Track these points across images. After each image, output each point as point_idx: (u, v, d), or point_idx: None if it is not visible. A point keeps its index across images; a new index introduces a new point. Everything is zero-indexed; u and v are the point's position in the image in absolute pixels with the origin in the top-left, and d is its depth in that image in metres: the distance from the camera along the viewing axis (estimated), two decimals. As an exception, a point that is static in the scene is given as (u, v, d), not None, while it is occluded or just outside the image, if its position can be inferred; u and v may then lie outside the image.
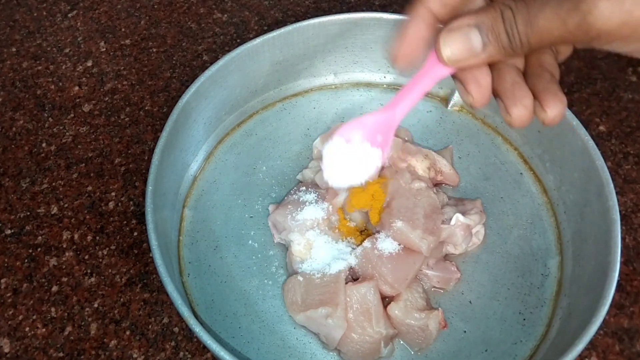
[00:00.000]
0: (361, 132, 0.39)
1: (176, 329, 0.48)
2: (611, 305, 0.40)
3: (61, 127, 0.61)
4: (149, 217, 0.44)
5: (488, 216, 0.51)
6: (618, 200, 0.45)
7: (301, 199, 0.50)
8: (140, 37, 0.70)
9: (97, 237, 0.53)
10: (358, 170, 0.40)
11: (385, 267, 0.46)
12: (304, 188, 0.51)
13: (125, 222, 0.54)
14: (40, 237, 0.53)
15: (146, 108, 0.63)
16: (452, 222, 0.48)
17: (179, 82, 0.65)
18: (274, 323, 0.47)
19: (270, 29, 0.69)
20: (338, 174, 0.41)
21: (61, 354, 0.47)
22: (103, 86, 0.65)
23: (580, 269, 0.47)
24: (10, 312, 0.49)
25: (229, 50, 0.56)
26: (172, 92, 0.64)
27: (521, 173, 0.55)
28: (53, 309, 0.49)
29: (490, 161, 0.56)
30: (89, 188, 0.56)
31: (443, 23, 0.34)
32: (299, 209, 0.49)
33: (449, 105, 0.60)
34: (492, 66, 0.35)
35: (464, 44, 0.32)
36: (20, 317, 0.49)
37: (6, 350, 0.47)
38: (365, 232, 0.50)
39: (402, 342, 0.46)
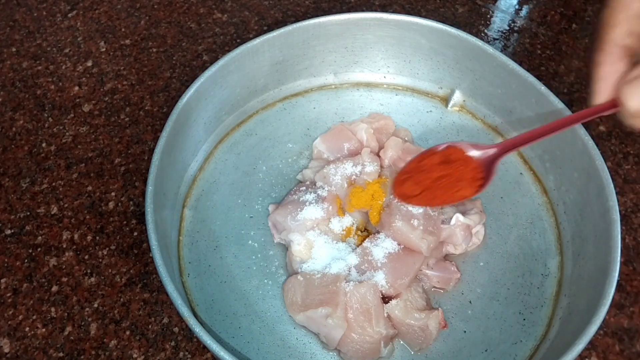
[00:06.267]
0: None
1: (176, 329, 0.48)
2: (611, 305, 0.40)
3: (61, 127, 0.61)
4: (149, 217, 0.44)
5: (488, 216, 0.51)
6: (618, 200, 0.45)
7: (301, 199, 0.50)
8: (140, 37, 0.70)
9: (97, 237, 0.53)
10: None
11: (385, 267, 0.46)
12: (304, 188, 0.51)
13: (125, 222, 0.54)
14: (40, 237, 0.53)
15: (146, 108, 0.63)
16: (452, 222, 0.48)
17: (179, 82, 0.65)
18: (274, 323, 0.47)
19: (270, 29, 0.69)
20: None
21: (61, 354, 0.47)
22: (103, 86, 0.65)
23: (580, 269, 0.47)
24: (10, 312, 0.49)
25: (229, 50, 0.56)
26: (172, 92, 0.64)
27: (521, 173, 0.55)
28: (53, 309, 0.49)
29: (490, 161, 0.56)
30: (89, 188, 0.56)
31: (636, 49, 0.36)
32: (299, 209, 0.49)
33: (449, 105, 0.60)
34: None
35: None
36: (20, 317, 0.49)
37: (6, 350, 0.47)
38: (365, 232, 0.50)
39: (402, 342, 0.46)
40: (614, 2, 0.37)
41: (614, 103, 0.37)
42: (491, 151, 0.43)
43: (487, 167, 0.43)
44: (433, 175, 0.44)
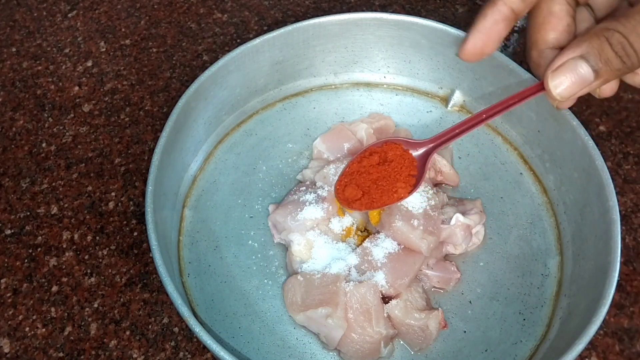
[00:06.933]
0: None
1: (176, 329, 0.48)
2: (611, 305, 0.40)
3: (61, 127, 0.61)
4: (149, 217, 0.44)
5: (488, 216, 0.51)
6: (618, 200, 0.45)
7: (301, 199, 0.50)
8: (140, 37, 0.70)
9: (97, 237, 0.53)
10: None
11: (385, 267, 0.46)
12: (304, 188, 0.51)
13: (125, 222, 0.54)
14: (40, 237, 0.53)
15: (146, 108, 0.63)
16: (452, 222, 0.48)
17: (179, 82, 0.65)
18: (274, 323, 0.47)
19: (270, 29, 0.69)
20: None
21: (61, 354, 0.47)
22: (103, 86, 0.65)
23: (580, 269, 0.47)
24: (10, 312, 0.49)
25: (229, 50, 0.56)
26: (172, 92, 0.64)
27: (521, 173, 0.55)
28: (53, 309, 0.49)
29: (490, 161, 0.56)
30: (89, 188, 0.56)
31: (520, 16, 0.37)
32: (299, 209, 0.49)
33: (449, 105, 0.60)
34: None
35: (574, 77, 0.34)
36: (20, 317, 0.49)
37: (6, 350, 0.47)
38: (365, 232, 0.50)
39: (402, 342, 0.46)
40: None
41: (541, 86, 0.38)
42: (426, 145, 0.44)
43: (421, 163, 0.43)
44: (372, 177, 0.44)
